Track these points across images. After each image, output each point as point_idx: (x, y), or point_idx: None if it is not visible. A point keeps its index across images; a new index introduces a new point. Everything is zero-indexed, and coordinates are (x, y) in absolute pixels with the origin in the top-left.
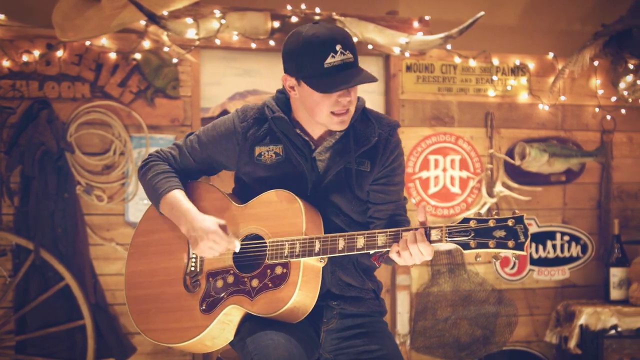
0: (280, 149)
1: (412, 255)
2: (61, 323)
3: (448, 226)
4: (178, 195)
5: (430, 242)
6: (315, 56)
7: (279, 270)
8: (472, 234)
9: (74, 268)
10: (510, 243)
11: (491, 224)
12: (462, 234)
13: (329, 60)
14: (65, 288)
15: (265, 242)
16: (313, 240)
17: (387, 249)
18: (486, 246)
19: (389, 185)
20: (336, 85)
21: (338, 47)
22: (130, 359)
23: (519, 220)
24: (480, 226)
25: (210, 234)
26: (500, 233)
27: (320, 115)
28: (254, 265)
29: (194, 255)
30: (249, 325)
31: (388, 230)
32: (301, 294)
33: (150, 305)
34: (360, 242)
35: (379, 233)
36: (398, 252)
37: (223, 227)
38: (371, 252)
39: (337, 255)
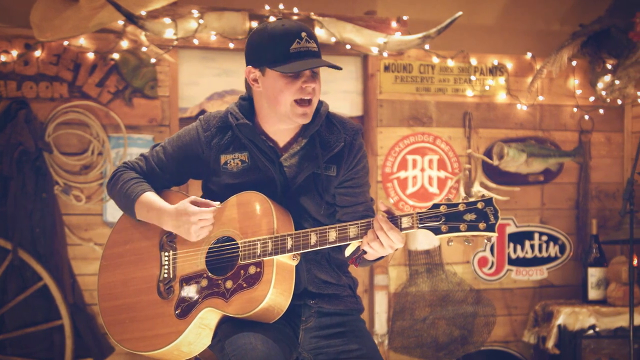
0: (245, 156)
1: (383, 245)
2: (39, 323)
3: (418, 213)
4: (151, 197)
5: (402, 229)
6: (281, 42)
7: (252, 269)
8: (443, 219)
9: (52, 268)
10: (482, 225)
11: (461, 207)
12: (433, 219)
13: (295, 45)
14: (44, 288)
15: (237, 243)
16: (285, 238)
17: (363, 251)
18: (457, 230)
19: (354, 188)
20: (301, 66)
21: (303, 35)
22: (108, 359)
23: (489, 202)
24: (450, 210)
25: (192, 217)
26: (471, 216)
27: (285, 104)
28: (227, 267)
29: (166, 262)
30: (226, 326)
31: (359, 222)
32: (276, 292)
33: (124, 315)
34: (332, 235)
35: (350, 225)
36: (368, 243)
37: (196, 202)
38: (347, 253)
39: (310, 250)
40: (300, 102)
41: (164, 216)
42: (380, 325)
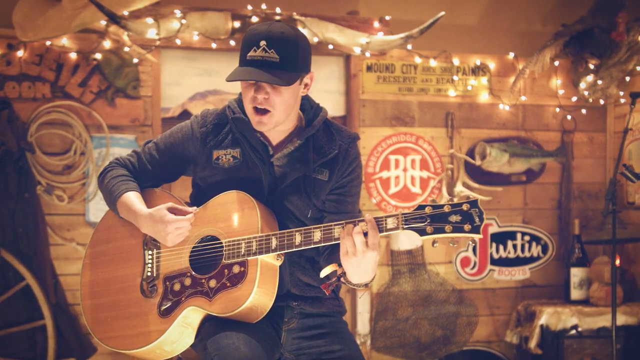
0: (238, 153)
1: (368, 245)
2: (22, 323)
3: (404, 214)
4: (132, 197)
5: (387, 230)
6: (244, 47)
7: (236, 269)
8: (428, 220)
9: (34, 268)
10: (467, 227)
11: (446, 209)
12: (418, 220)
13: (251, 53)
14: (26, 288)
15: (221, 243)
16: (269, 237)
17: (341, 274)
18: (442, 231)
19: (345, 196)
20: (237, 75)
21: (262, 43)
22: (91, 359)
23: (474, 204)
24: (435, 212)
25: (168, 226)
26: (456, 218)
27: (247, 108)
28: (211, 266)
29: (150, 261)
30: (209, 325)
31: (344, 221)
32: (260, 292)
33: (107, 314)
34: (317, 235)
35: (335, 225)
36: (347, 252)
37: (173, 209)
38: (322, 275)
39: (294, 250)
40: (256, 110)
41: (139, 220)
42: (363, 325)
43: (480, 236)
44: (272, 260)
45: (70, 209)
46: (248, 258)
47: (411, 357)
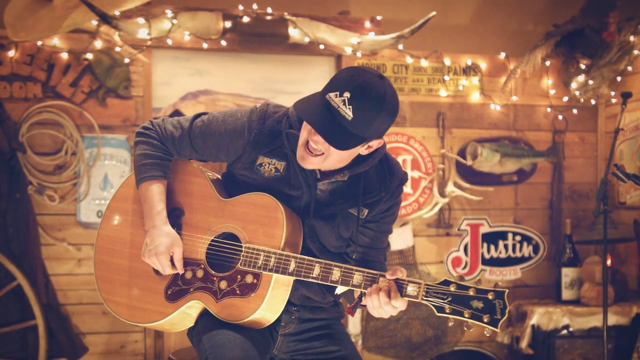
0: (282, 166)
1: (385, 310)
2: (13, 323)
3: (427, 284)
4: (154, 192)
5: (406, 296)
6: (331, 85)
7: (249, 278)
8: (450, 299)
9: (25, 268)
10: (486, 317)
11: (471, 292)
12: (440, 295)
13: (331, 95)
14: (17, 288)
15: (240, 246)
16: (289, 259)
17: (362, 303)
18: (461, 314)
19: (376, 231)
20: (304, 110)
21: (346, 95)
22: (82, 359)
23: (500, 295)
24: (459, 292)
25: (160, 256)
26: (478, 304)
27: (300, 140)
28: (225, 266)
29: None
30: (207, 320)
31: (366, 270)
32: (266, 308)
33: (116, 276)
34: (336, 274)
35: (356, 271)
36: (372, 304)
37: (177, 250)
38: (338, 291)
39: (309, 280)
40: (307, 146)
41: (148, 220)
42: (354, 325)
43: (497, 330)
44: (287, 276)
45: (62, 209)
46: (263, 272)
47: (402, 357)
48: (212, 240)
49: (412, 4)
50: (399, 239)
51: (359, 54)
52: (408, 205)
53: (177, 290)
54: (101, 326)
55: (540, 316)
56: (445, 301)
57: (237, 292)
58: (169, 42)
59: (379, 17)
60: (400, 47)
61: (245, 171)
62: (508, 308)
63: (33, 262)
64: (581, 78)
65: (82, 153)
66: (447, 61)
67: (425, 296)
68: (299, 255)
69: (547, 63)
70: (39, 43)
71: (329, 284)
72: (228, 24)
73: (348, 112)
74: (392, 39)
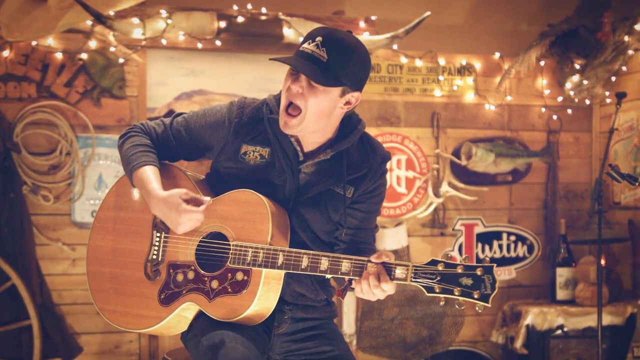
0: (266, 152)
1: (374, 293)
2: (7, 323)
3: (415, 266)
4: (149, 173)
5: (394, 279)
6: (301, 43)
7: (239, 276)
8: (438, 278)
9: (20, 268)
10: (476, 293)
11: (459, 270)
12: (428, 276)
13: (304, 46)
14: (12, 288)
15: (228, 244)
16: (277, 253)
17: (351, 286)
18: (451, 293)
19: (363, 212)
20: (281, 59)
21: (317, 39)
22: (77, 359)
23: (489, 270)
24: (447, 271)
25: (183, 215)
26: (467, 281)
27: (281, 101)
28: (215, 266)
29: (157, 243)
30: (204, 321)
31: (354, 257)
32: (259, 304)
33: (109, 285)
34: (324, 264)
35: (344, 259)
36: (360, 288)
37: (188, 197)
38: (332, 277)
39: (298, 272)
40: (287, 108)
41: (152, 200)
42: (349, 325)
43: (489, 305)
44: (277, 269)
45: (56, 209)
46: (253, 269)
47: (397, 357)
48: (200, 241)
49: (406, 4)
50: (394, 239)
51: None
52: (402, 205)
53: (169, 293)
54: (96, 326)
55: (535, 316)
56: (434, 281)
57: (229, 290)
58: (164, 42)
59: (373, 17)
60: (395, 47)
61: (230, 162)
62: (497, 282)
63: (27, 262)
64: (576, 78)
65: (77, 153)
66: (442, 61)
67: (414, 278)
68: (286, 248)
69: (542, 63)
70: (34, 43)
71: (318, 274)
72: (222, 24)
73: (323, 54)
74: (386, 39)
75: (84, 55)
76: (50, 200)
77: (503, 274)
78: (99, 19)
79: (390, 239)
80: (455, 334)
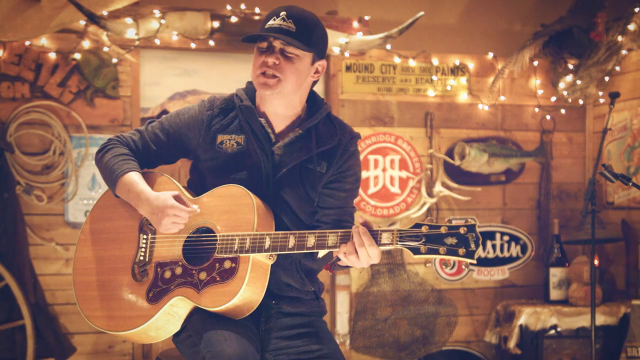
0: (242, 139)
1: (360, 259)
2: (0, 323)
3: (399, 230)
4: (134, 177)
5: (381, 245)
6: (265, 19)
7: (227, 264)
8: (423, 239)
9: (13, 268)
10: (461, 251)
11: (443, 230)
12: (413, 238)
13: (270, 22)
14: (5, 288)
15: (215, 236)
16: (264, 237)
17: (338, 258)
18: (436, 252)
19: (339, 191)
20: (252, 35)
21: (282, 14)
22: (70, 359)
23: (471, 228)
24: (431, 232)
25: (168, 210)
26: (452, 240)
27: (254, 75)
28: (203, 258)
29: (144, 245)
30: (197, 321)
31: (339, 230)
32: (248, 290)
33: (96, 292)
34: (311, 240)
35: (330, 233)
36: (345, 254)
37: (178, 198)
38: (320, 255)
39: (287, 252)
40: (263, 73)
41: (142, 200)
42: (342, 325)
43: (474, 261)
44: (264, 259)
45: (50, 209)
46: (240, 255)
47: (390, 357)
48: (188, 237)
49: (400, 4)
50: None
51: (347, 54)
52: (396, 205)
53: (157, 291)
54: (89, 326)
55: (528, 316)
56: (419, 242)
57: (217, 279)
58: (157, 42)
59: (367, 17)
60: (388, 47)
61: (209, 153)
62: (481, 239)
63: (21, 262)
64: (569, 78)
65: (70, 153)
66: (435, 61)
67: (400, 241)
68: (272, 232)
69: (535, 63)
70: (27, 43)
71: (305, 251)
72: (216, 24)
73: (291, 25)
74: (380, 39)
75: (77, 55)
76: (43, 200)
77: (497, 274)
78: (93, 18)
79: None
80: (449, 334)
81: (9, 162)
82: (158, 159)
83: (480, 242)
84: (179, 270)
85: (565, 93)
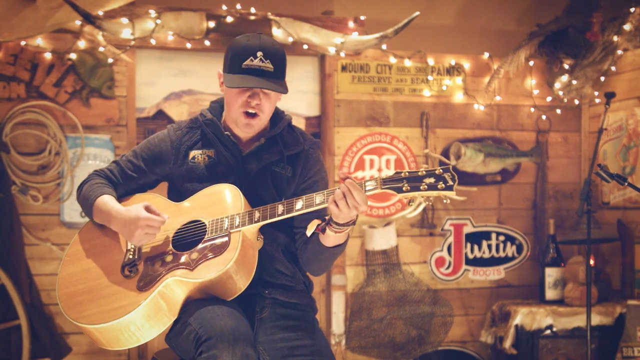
0: (212, 153)
1: (349, 205)
2: None
3: (382, 177)
4: (106, 199)
5: (367, 191)
6: (239, 56)
7: (219, 241)
8: (405, 181)
9: (9, 268)
10: (440, 185)
11: (421, 173)
12: (396, 182)
13: (247, 62)
14: (1, 288)
15: (204, 223)
16: (252, 211)
17: (328, 222)
18: (418, 189)
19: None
20: (241, 83)
21: (259, 54)
22: (66, 359)
23: (446, 169)
24: (411, 175)
25: (139, 221)
26: (430, 180)
27: (234, 111)
28: (194, 243)
29: (132, 247)
30: (190, 307)
31: (325, 190)
32: (240, 260)
33: (83, 297)
34: (299, 204)
35: (317, 195)
36: (335, 202)
37: (148, 208)
38: (309, 232)
39: (277, 219)
40: (246, 114)
41: (112, 216)
42: (338, 325)
43: (454, 193)
44: (253, 238)
45: (45, 209)
46: (232, 231)
47: (386, 357)
48: (177, 231)
49: (395, 4)
50: (383, 239)
51: (342, 54)
52: (391, 205)
53: (149, 279)
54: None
55: (524, 316)
56: (401, 184)
57: (210, 255)
58: (153, 42)
59: (362, 17)
60: (384, 47)
61: (182, 169)
62: (456, 177)
63: (17, 262)
64: (565, 78)
65: (66, 153)
66: (431, 61)
67: (383, 185)
68: (260, 207)
69: (531, 63)
70: (23, 43)
71: (295, 213)
72: (212, 24)
73: (269, 65)
74: (375, 39)
75: (73, 55)
76: (39, 200)
77: (492, 274)
78: (88, 18)
79: (379, 239)
80: (444, 334)
81: (5, 162)
82: (138, 186)
83: (456, 178)
84: (169, 258)
85: (561, 93)
